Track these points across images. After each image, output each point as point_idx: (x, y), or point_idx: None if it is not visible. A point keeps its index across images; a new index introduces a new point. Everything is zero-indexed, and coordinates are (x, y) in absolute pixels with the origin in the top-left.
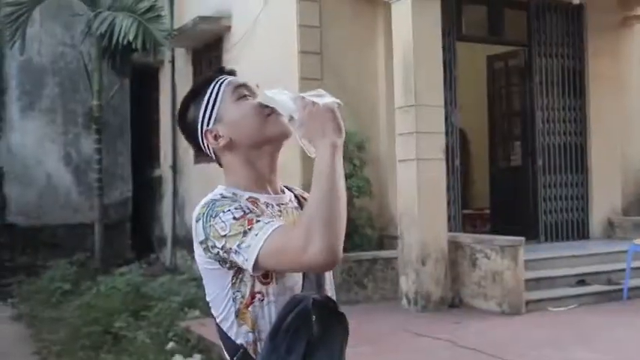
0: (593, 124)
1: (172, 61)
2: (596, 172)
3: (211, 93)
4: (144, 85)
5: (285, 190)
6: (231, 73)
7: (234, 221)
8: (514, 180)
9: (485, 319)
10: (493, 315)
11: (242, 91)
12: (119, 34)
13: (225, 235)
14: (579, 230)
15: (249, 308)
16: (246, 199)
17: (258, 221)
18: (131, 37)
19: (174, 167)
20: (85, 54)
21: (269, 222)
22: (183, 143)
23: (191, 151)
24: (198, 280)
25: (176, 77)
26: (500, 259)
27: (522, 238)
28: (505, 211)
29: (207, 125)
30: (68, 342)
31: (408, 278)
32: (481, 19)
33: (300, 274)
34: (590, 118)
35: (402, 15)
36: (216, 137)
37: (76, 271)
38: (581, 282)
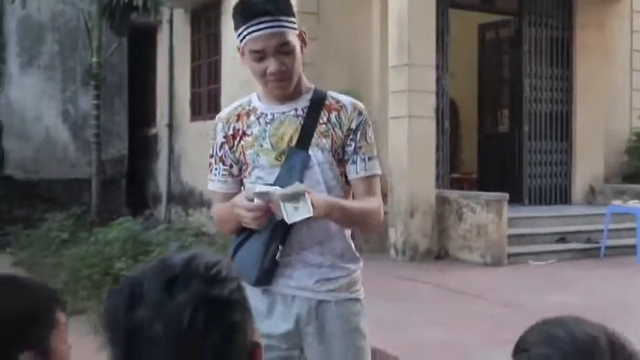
0: (578, 93)
1: (170, 22)
2: (580, 140)
3: (240, 34)
4: (142, 45)
5: (310, 96)
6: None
7: (210, 154)
8: (501, 145)
9: (469, 268)
10: (476, 265)
11: (255, 56)
12: None
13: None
14: (562, 195)
15: None
16: (240, 113)
17: (210, 171)
18: None
19: (171, 125)
20: (85, 12)
21: (211, 177)
22: (180, 102)
23: (188, 110)
24: (194, 230)
25: (174, 38)
26: (485, 213)
27: (507, 194)
28: (491, 175)
29: (239, 43)
30: (69, 283)
31: (396, 230)
32: None
33: (270, 168)
34: (576, 88)
35: None
36: (242, 54)
37: (73, 223)
38: (562, 240)
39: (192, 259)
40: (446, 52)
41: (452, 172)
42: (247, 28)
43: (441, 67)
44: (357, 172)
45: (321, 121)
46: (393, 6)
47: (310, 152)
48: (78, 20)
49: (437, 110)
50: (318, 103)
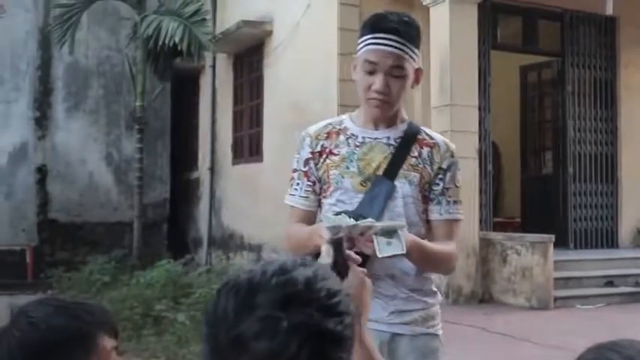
0: (624, 135)
1: (213, 66)
2: (627, 183)
3: (362, 42)
4: (184, 89)
5: (405, 128)
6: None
7: (293, 169)
8: (545, 188)
9: (514, 312)
10: (522, 309)
11: (367, 67)
12: (165, 37)
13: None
14: (608, 239)
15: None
16: (330, 132)
17: (290, 185)
18: (177, 40)
19: (212, 169)
20: (130, 57)
21: (291, 192)
22: (222, 146)
23: (229, 153)
24: (235, 272)
25: (216, 82)
26: (531, 255)
27: (552, 236)
28: (535, 218)
29: (358, 52)
30: None
31: None
32: (516, 28)
33: (353, 192)
34: (621, 129)
35: (440, 18)
36: (354, 67)
37: (115, 266)
38: (609, 283)
39: (315, 279)
40: (488, 94)
41: (494, 217)
42: (371, 38)
43: (483, 108)
44: (440, 214)
45: (412, 154)
46: (434, 46)
47: (396, 183)
48: (123, 66)
49: (479, 152)
50: (411, 135)
